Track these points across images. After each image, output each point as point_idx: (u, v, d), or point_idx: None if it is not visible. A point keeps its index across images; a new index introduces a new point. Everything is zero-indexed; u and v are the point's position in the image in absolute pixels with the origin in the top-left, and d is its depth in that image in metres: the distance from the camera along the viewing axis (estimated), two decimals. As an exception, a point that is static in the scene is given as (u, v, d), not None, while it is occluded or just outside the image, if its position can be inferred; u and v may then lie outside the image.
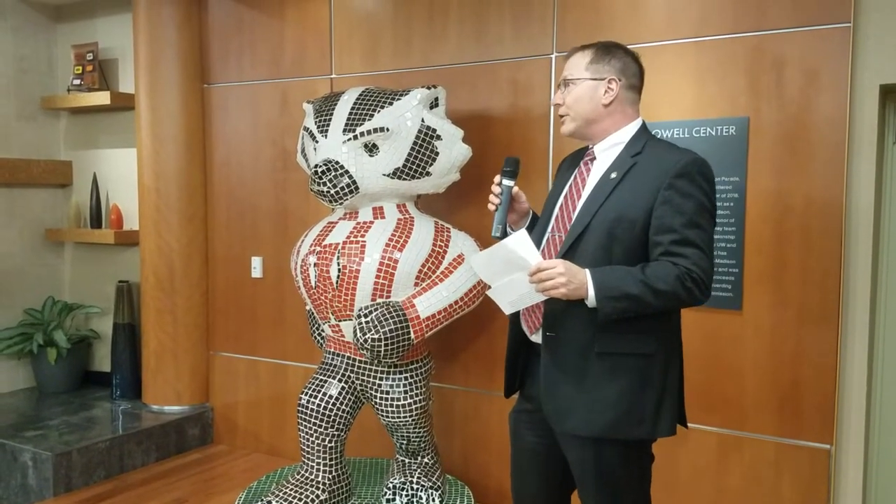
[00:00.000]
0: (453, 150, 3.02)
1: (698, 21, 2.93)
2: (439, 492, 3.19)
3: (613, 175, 2.03)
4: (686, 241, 1.90)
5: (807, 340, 2.81)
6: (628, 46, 2.11)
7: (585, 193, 2.08)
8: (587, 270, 1.91)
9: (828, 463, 2.80)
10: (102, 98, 4.37)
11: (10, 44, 4.58)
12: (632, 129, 2.11)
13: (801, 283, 2.80)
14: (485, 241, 3.15)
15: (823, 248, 2.76)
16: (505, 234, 2.08)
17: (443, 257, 3.01)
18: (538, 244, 2.13)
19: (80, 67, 4.52)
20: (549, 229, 2.14)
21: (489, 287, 2.04)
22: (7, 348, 4.47)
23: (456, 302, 2.95)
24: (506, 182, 2.14)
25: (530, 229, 2.19)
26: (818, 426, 2.81)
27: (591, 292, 1.89)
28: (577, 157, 2.24)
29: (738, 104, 2.87)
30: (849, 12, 2.69)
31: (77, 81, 4.53)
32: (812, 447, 2.82)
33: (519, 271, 1.93)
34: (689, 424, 2.99)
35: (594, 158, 2.14)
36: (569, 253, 2.01)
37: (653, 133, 2.16)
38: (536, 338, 2.13)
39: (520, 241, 1.89)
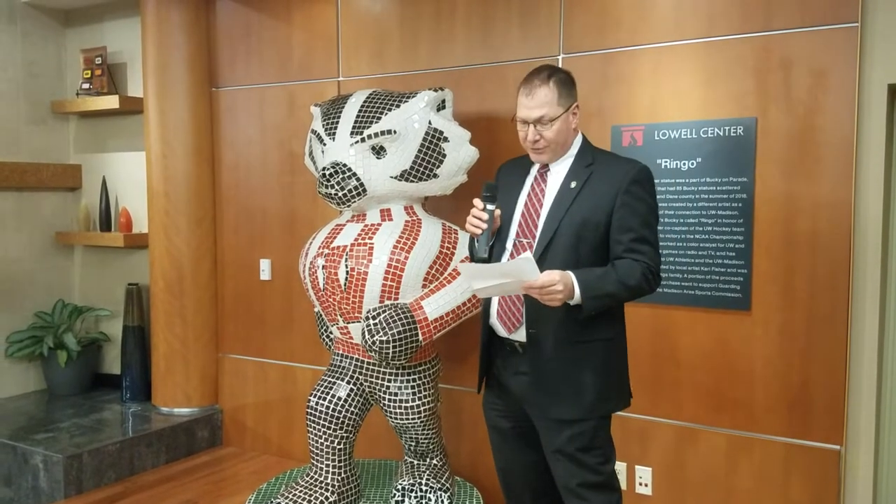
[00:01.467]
0: (461, 152, 3.03)
1: (705, 22, 2.93)
2: (448, 493, 3.19)
3: (573, 184, 2.27)
4: (643, 240, 2.20)
5: (816, 341, 2.80)
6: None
7: (547, 202, 2.30)
8: (572, 275, 2.11)
9: (838, 464, 2.79)
10: (111, 102, 4.39)
11: (20, 49, 4.61)
12: (578, 141, 2.35)
13: (810, 283, 2.80)
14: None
15: (832, 248, 2.75)
16: (491, 253, 2.28)
17: (451, 259, 3.01)
18: (503, 249, 2.33)
19: (89, 71, 4.55)
20: (514, 235, 2.33)
21: (472, 288, 2.21)
22: (18, 351, 4.50)
23: (464, 304, 2.95)
24: (490, 206, 2.28)
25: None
26: (828, 427, 2.80)
27: (578, 293, 2.11)
28: (522, 164, 2.44)
29: (745, 105, 2.87)
30: (856, 12, 2.68)
31: (86, 85, 4.55)
32: (822, 448, 2.82)
33: (511, 280, 2.09)
34: (694, 425, 3.03)
35: (548, 170, 2.35)
36: (543, 255, 2.22)
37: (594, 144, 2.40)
38: (517, 335, 2.30)
39: (529, 263, 2.06)
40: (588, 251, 2.21)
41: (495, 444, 2.52)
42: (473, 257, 2.30)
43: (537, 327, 2.24)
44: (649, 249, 2.20)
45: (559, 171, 2.33)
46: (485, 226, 2.26)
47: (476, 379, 2.52)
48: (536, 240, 2.26)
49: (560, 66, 3.20)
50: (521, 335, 2.29)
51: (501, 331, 2.34)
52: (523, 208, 2.34)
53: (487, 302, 2.38)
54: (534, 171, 2.38)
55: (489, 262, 2.23)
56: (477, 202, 2.29)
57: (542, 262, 2.19)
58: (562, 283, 2.06)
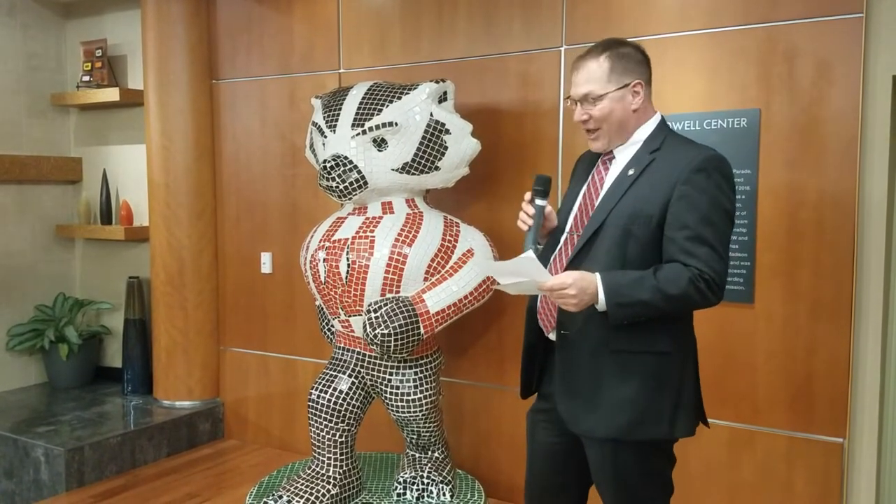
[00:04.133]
0: (462, 145, 3.01)
1: (709, 13, 2.91)
2: (449, 486, 3.19)
3: (631, 172, 2.02)
4: (700, 239, 1.88)
5: (819, 334, 2.79)
6: (638, 40, 2.08)
7: (603, 192, 2.06)
8: (598, 277, 1.89)
9: (841, 457, 2.79)
10: (111, 94, 4.38)
11: (20, 41, 4.59)
12: (650, 126, 2.09)
13: (814, 276, 2.78)
14: (494, 237, 3.15)
15: (836, 240, 2.74)
16: (537, 252, 2.06)
17: (452, 252, 3.00)
18: (555, 245, 2.13)
19: (90, 64, 4.53)
20: (567, 230, 2.12)
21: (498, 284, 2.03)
22: (19, 344, 4.50)
23: (465, 297, 2.94)
24: (539, 202, 2.09)
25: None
26: (831, 420, 2.79)
27: (602, 298, 1.88)
28: (595, 156, 2.20)
29: (749, 96, 2.85)
30: (861, 3, 2.66)
31: (86, 78, 4.54)
32: (825, 441, 2.81)
33: (525, 279, 1.93)
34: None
35: (613, 158, 2.12)
36: (582, 252, 2.01)
37: (671, 128, 2.15)
38: (553, 336, 2.13)
39: (531, 262, 1.88)
40: (637, 250, 1.95)
41: (530, 455, 2.29)
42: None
43: (570, 329, 2.02)
44: (707, 252, 1.87)
45: (623, 157, 2.07)
46: (531, 221, 2.06)
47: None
48: (581, 233, 2.02)
49: (565, 56, 3.20)
50: (555, 336, 2.10)
51: (544, 330, 2.15)
52: (581, 200, 2.12)
53: (533, 301, 2.18)
54: (600, 158, 2.15)
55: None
56: (526, 195, 2.09)
57: (584, 257, 2.00)
58: (575, 287, 1.83)
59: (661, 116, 2.13)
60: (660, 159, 1.99)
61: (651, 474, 2.06)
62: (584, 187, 2.14)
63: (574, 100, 2.08)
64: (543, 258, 2.11)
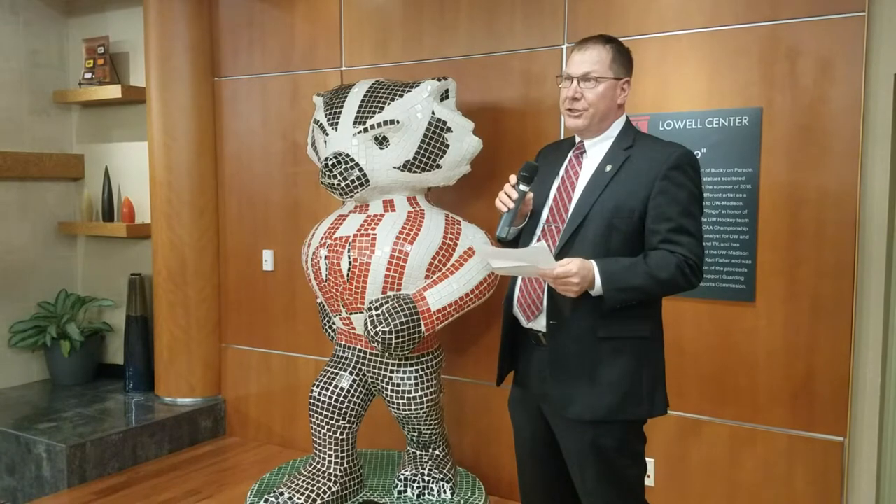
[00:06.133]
0: (464, 143, 3.01)
1: (711, 11, 2.91)
2: (450, 483, 3.19)
3: (608, 168, 2.13)
4: (682, 230, 2.03)
5: (820, 332, 2.79)
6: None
7: (580, 185, 2.17)
8: (594, 263, 1.99)
9: (841, 455, 2.79)
10: (114, 92, 4.38)
11: (23, 38, 4.60)
12: (619, 123, 2.21)
13: (815, 274, 2.79)
14: (495, 234, 3.14)
15: (837, 239, 2.74)
16: (518, 236, 2.19)
17: (453, 250, 3.00)
18: (533, 233, 2.22)
19: (92, 61, 4.54)
20: (544, 220, 2.21)
21: (489, 266, 2.14)
22: (21, 341, 4.51)
23: (467, 294, 2.95)
24: (522, 187, 2.16)
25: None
26: (832, 418, 2.79)
27: (599, 283, 1.99)
28: (562, 149, 2.32)
29: (751, 95, 2.85)
30: (863, 1, 2.66)
31: (88, 75, 4.54)
32: (825, 439, 2.81)
33: (527, 265, 2.02)
34: (697, 416, 3.01)
35: (584, 152, 2.23)
36: (569, 242, 2.10)
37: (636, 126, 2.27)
38: (534, 324, 2.19)
39: (543, 252, 1.98)
40: (620, 241, 2.07)
41: (517, 446, 2.39)
42: (496, 235, 2.18)
43: (558, 318, 2.10)
44: (689, 241, 2.03)
45: (596, 152, 2.19)
46: (511, 205, 2.14)
47: (494, 372, 2.38)
48: (564, 225, 2.13)
49: (566, 54, 3.20)
50: (540, 324, 2.16)
51: (523, 321, 2.22)
52: (556, 192, 2.21)
53: (511, 291, 2.26)
54: (571, 153, 2.25)
55: (507, 243, 2.18)
56: (511, 178, 2.16)
57: (569, 249, 2.08)
58: (579, 276, 1.94)
59: (627, 116, 2.24)
60: (635, 156, 2.12)
61: (630, 452, 2.16)
62: (558, 180, 2.23)
63: (572, 77, 2.15)
64: (522, 242, 2.23)
